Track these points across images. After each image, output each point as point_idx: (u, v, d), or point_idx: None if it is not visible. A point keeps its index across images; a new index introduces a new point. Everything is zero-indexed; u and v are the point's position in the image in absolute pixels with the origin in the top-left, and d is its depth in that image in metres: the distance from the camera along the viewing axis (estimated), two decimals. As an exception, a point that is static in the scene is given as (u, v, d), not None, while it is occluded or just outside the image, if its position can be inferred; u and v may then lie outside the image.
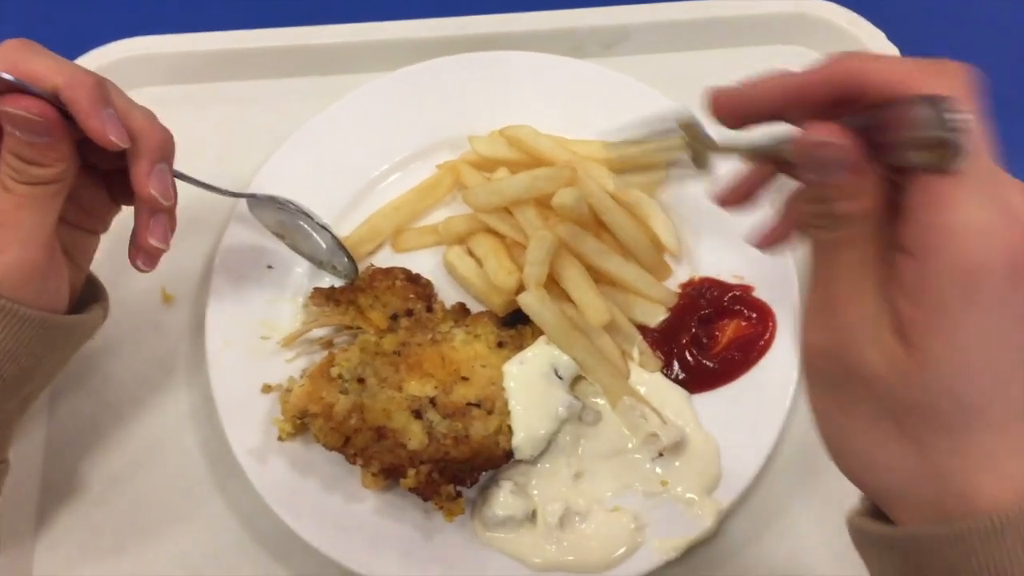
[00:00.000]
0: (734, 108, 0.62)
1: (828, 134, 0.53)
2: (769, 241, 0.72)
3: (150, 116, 0.82)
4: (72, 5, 1.29)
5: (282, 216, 1.00)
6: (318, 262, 1.03)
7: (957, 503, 0.54)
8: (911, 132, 0.52)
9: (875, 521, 0.60)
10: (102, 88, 0.76)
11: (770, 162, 0.69)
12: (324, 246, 1.00)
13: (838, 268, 0.57)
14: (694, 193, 1.06)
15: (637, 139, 0.80)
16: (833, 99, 0.57)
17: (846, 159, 0.54)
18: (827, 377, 0.60)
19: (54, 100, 0.74)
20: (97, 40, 1.17)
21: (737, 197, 0.73)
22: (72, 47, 1.16)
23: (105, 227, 0.91)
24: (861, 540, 0.62)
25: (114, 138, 0.75)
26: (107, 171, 0.86)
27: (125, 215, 1.06)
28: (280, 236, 1.02)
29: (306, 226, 1.00)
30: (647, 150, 0.80)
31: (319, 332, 1.02)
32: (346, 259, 1.01)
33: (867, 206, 0.55)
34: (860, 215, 0.56)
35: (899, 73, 0.54)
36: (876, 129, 0.54)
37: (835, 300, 0.57)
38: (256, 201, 0.99)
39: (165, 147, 0.82)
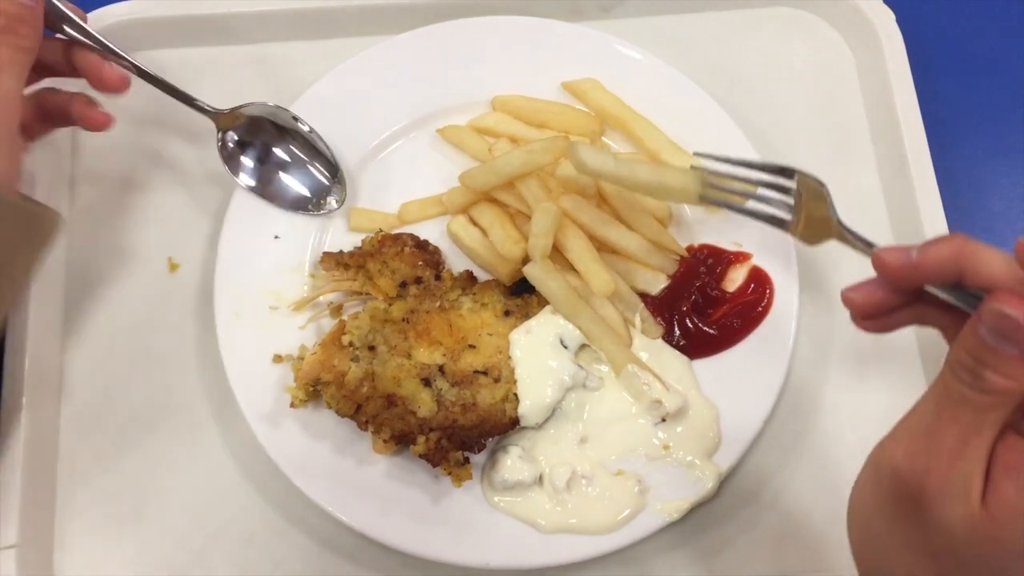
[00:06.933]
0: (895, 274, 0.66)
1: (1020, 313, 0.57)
2: (879, 327, 0.71)
3: None
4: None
5: (267, 130, 1.05)
6: (304, 199, 1.06)
7: None
8: None
9: None
10: None
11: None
12: (318, 166, 1.06)
13: (957, 420, 0.59)
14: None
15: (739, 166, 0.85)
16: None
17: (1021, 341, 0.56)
18: (889, 489, 0.62)
19: None
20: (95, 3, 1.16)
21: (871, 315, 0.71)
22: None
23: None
24: None
25: None
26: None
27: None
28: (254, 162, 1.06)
29: (295, 141, 1.06)
30: (741, 185, 0.84)
31: (328, 297, 1.03)
32: (337, 180, 1.06)
33: (1017, 390, 0.58)
34: (1005, 393, 0.58)
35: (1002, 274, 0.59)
36: None
37: (939, 440, 0.59)
38: (240, 119, 1.05)
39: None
